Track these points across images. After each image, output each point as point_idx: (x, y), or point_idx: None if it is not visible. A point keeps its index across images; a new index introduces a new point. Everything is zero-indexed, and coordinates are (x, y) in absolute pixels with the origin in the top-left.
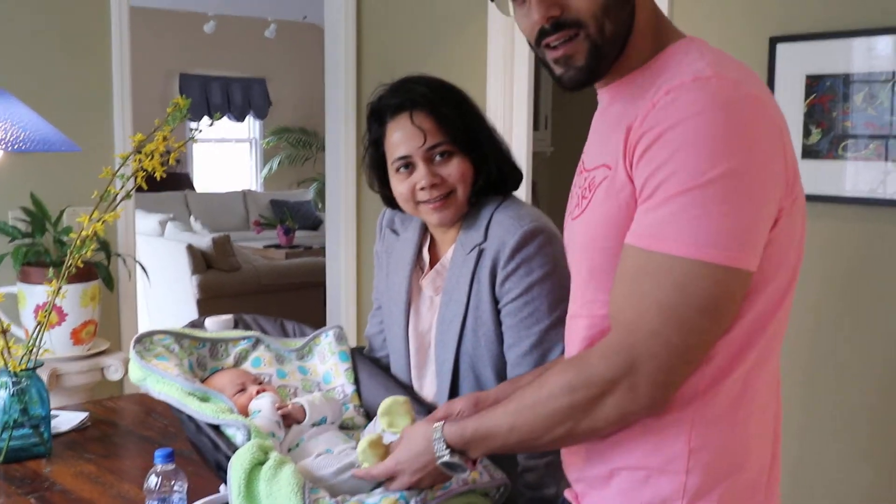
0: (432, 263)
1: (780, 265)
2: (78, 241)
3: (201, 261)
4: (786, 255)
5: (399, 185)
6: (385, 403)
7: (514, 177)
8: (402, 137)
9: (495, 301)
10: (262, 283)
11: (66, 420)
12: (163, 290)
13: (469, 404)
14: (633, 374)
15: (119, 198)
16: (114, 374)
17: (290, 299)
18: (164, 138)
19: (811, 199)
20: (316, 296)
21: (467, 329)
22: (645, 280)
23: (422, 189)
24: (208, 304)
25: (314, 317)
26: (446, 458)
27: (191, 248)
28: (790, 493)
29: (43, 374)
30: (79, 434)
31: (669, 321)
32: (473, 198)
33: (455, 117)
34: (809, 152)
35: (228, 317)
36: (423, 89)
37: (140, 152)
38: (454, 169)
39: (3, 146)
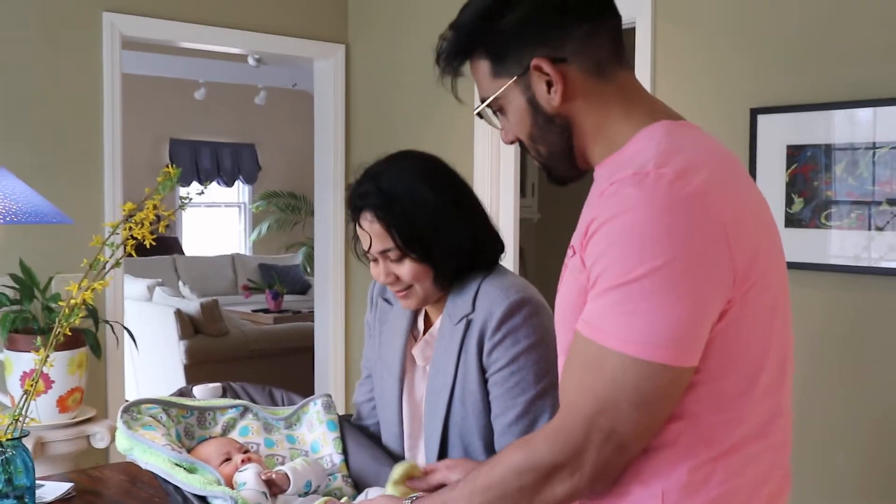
0: (425, 332)
1: (738, 357)
2: (66, 309)
3: (189, 326)
4: (743, 347)
5: (371, 269)
6: (398, 472)
7: (496, 247)
8: (361, 234)
9: (483, 371)
10: (251, 347)
11: (50, 490)
12: (151, 355)
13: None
14: (575, 458)
15: (108, 266)
16: (99, 442)
17: (279, 364)
18: (154, 206)
19: (795, 266)
20: (305, 361)
21: (455, 399)
22: (585, 367)
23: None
24: (196, 369)
25: (303, 382)
26: None
27: (179, 313)
28: None
29: (28, 442)
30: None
31: (604, 410)
32: (447, 281)
33: (405, 226)
34: (792, 221)
35: (217, 385)
36: (373, 199)
37: (130, 220)
38: (406, 270)
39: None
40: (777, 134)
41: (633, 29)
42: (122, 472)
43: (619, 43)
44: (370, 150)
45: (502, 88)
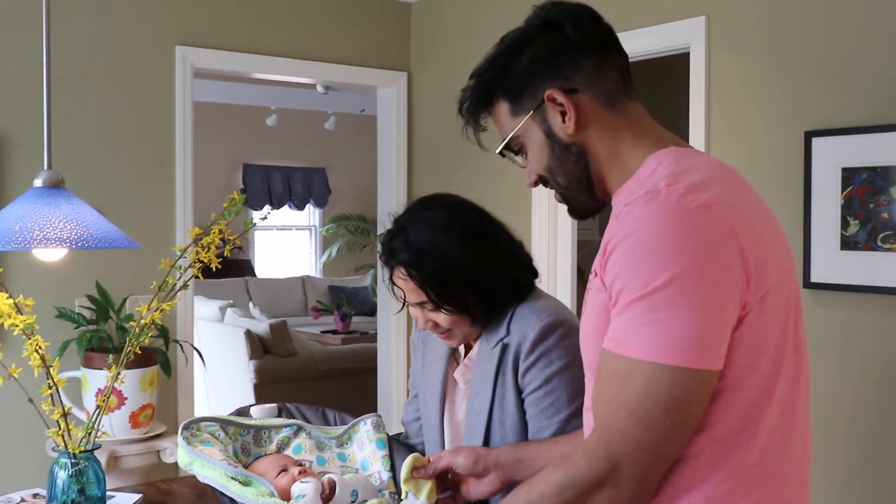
0: (466, 355)
1: (755, 364)
2: (137, 329)
3: (259, 346)
4: (760, 352)
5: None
6: (405, 469)
7: (529, 279)
8: (398, 284)
9: (519, 392)
10: (319, 368)
11: (120, 501)
12: (221, 375)
13: (470, 461)
14: (614, 472)
15: (176, 288)
16: (169, 457)
17: (346, 384)
18: (220, 231)
19: (849, 289)
20: (371, 381)
21: (494, 419)
22: (616, 382)
23: None
24: (265, 388)
25: (368, 401)
26: None
27: (249, 334)
28: None
29: (102, 455)
30: None
31: (638, 421)
32: (485, 322)
33: (437, 284)
34: (847, 244)
35: (273, 406)
36: (404, 256)
37: (199, 244)
38: (442, 319)
39: (69, 244)
40: (832, 156)
41: (688, 54)
42: (189, 485)
43: (626, 76)
44: (431, 176)
45: (521, 124)
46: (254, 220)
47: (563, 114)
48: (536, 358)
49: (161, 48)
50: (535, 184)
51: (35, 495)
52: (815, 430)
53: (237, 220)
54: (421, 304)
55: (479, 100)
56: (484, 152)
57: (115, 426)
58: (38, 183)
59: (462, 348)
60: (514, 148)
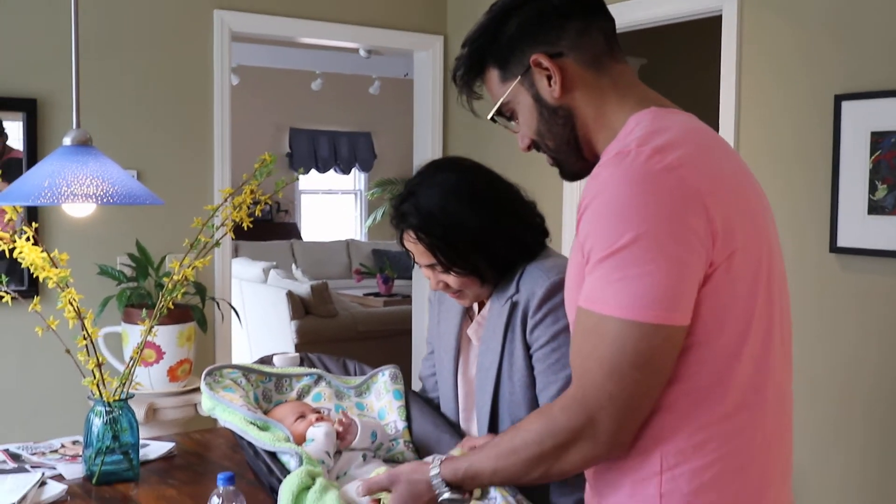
0: (479, 312)
1: (724, 320)
2: (170, 285)
3: (300, 307)
4: (729, 311)
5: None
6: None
7: (539, 239)
8: (408, 246)
9: (527, 348)
10: (359, 329)
11: (155, 449)
12: (264, 334)
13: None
14: (591, 425)
15: (208, 246)
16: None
17: (385, 345)
18: (252, 191)
19: (877, 254)
20: (410, 342)
21: (503, 375)
22: (589, 338)
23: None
24: (306, 348)
25: (405, 362)
26: (446, 496)
27: (290, 295)
28: None
29: (140, 407)
30: (166, 462)
31: (610, 376)
32: (496, 282)
33: (446, 247)
34: (875, 208)
35: (295, 355)
36: (413, 220)
37: (230, 203)
38: (452, 280)
39: (95, 200)
40: (861, 120)
41: (720, 17)
42: (223, 437)
43: (612, 39)
44: (467, 139)
45: (510, 89)
46: (285, 181)
47: (549, 78)
48: (544, 315)
49: (199, 12)
50: (529, 148)
51: (75, 442)
52: (837, 393)
53: (286, 185)
54: (431, 267)
55: (470, 68)
56: None
57: (153, 379)
58: (67, 141)
59: (476, 306)
60: (506, 114)
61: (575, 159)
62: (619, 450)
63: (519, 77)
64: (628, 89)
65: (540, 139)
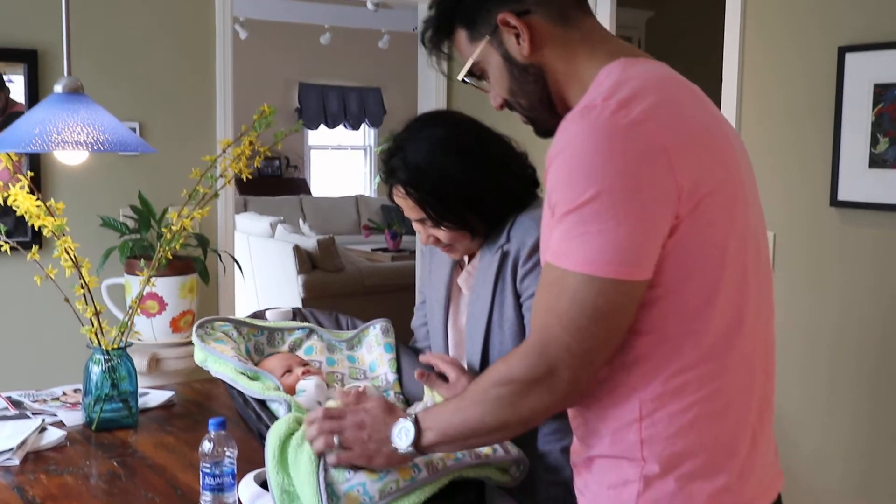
0: (470, 262)
1: (693, 270)
2: (168, 235)
3: (307, 261)
4: (698, 261)
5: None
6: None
7: (531, 190)
8: (397, 201)
9: (517, 296)
10: (366, 283)
11: (155, 397)
12: (271, 288)
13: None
14: (550, 375)
15: (207, 197)
16: None
17: (392, 300)
18: (251, 143)
19: (878, 207)
20: (413, 297)
21: (493, 324)
22: (551, 290)
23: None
24: (313, 302)
25: (410, 316)
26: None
27: (297, 249)
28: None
29: (143, 357)
30: (166, 410)
31: (568, 329)
32: (486, 235)
33: (435, 201)
34: (876, 161)
35: (288, 309)
36: (402, 175)
37: (228, 155)
38: (443, 234)
39: (86, 147)
40: (865, 72)
41: None
42: (222, 386)
43: None
44: (471, 94)
45: (479, 49)
46: (285, 132)
47: (518, 36)
48: (534, 264)
49: None
50: (502, 107)
51: (76, 390)
52: (835, 344)
53: (295, 139)
54: (421, 221)
55: (438, 29)
56: None
57: (156, 330)
58: (58, 89)
59: (466, 257)
60: (477, 73)
61: (548, 116)
62: (574, 398)
63: (487, 37)
64: (598, 42)
65: (512, 98)
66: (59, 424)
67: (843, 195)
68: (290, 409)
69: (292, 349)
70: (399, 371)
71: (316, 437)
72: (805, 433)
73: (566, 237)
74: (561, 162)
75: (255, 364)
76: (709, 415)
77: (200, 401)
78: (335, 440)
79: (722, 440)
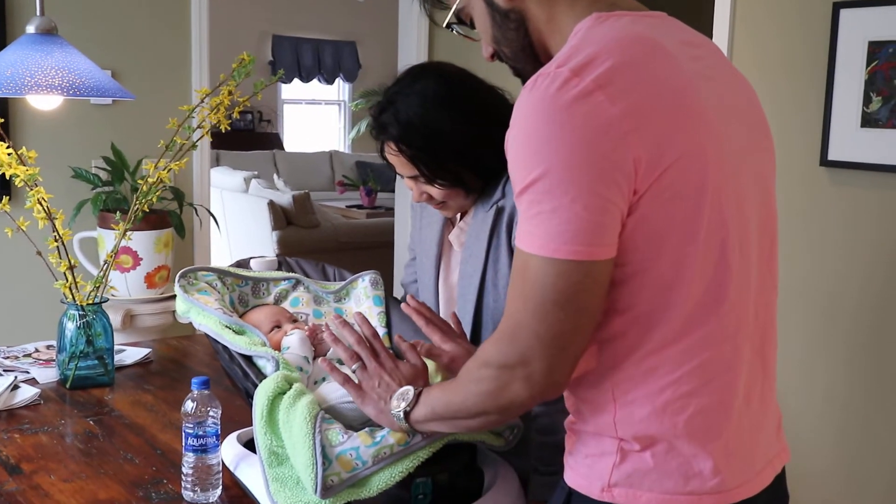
0: (462, 218)
1: (661, 245)
2: (144, 187)
3: (282, 217)
4: (664, 235)
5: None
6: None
7: None
8: (389, 159)
9: (512, 254)
10: (341, 240)
11: (131, 354)
12: (245, 244)
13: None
14: (524, 364)
15: (184, 148)
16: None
17: (367, 256)
18: (230, 93)
19: (870, 168)
20: (391, 254)
21: (487, 282)
22: (517, 274)
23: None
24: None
25: (387, 272)
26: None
27: (272, 205)
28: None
29: (117, 313)
30: (143, 367)
31: (534, 314)
32: (479, 191)
33: (428, 157)
34: (868, 121)
35: (273, 259)
36: (394, 131)
37: (206, 105)
38: (436, 192)
39: (61, 91)
40: (859, 29)
41: None
42: (200, 343)
43: None
44: (453, 49)
45: None
46: (265, 82)
47: None
48: None
49: None
50: (492, 58)
51: (49, 346)
52: (825, 306)
53: (269, 93)
54: (414, 178)
55: None
56: None
57: (130, 286)
58: (30, 29)
59: (458, 213)
60: (465, 20)
61: (533, 67)
62: (554, 389)
63: None
64: None
65: (497, 46)
66: (33, 382)
67: (833, 155)
68: (277, 366)
69: (278, 300)
70: (388, 325)
71: (344, 349)
72: (797, 396)
73: (524, 218)
74: (511, 139)
75: (240, 316)
76: (683, 396)
77: (178, 358)
78: (354, 365)
79: (700, 422)
